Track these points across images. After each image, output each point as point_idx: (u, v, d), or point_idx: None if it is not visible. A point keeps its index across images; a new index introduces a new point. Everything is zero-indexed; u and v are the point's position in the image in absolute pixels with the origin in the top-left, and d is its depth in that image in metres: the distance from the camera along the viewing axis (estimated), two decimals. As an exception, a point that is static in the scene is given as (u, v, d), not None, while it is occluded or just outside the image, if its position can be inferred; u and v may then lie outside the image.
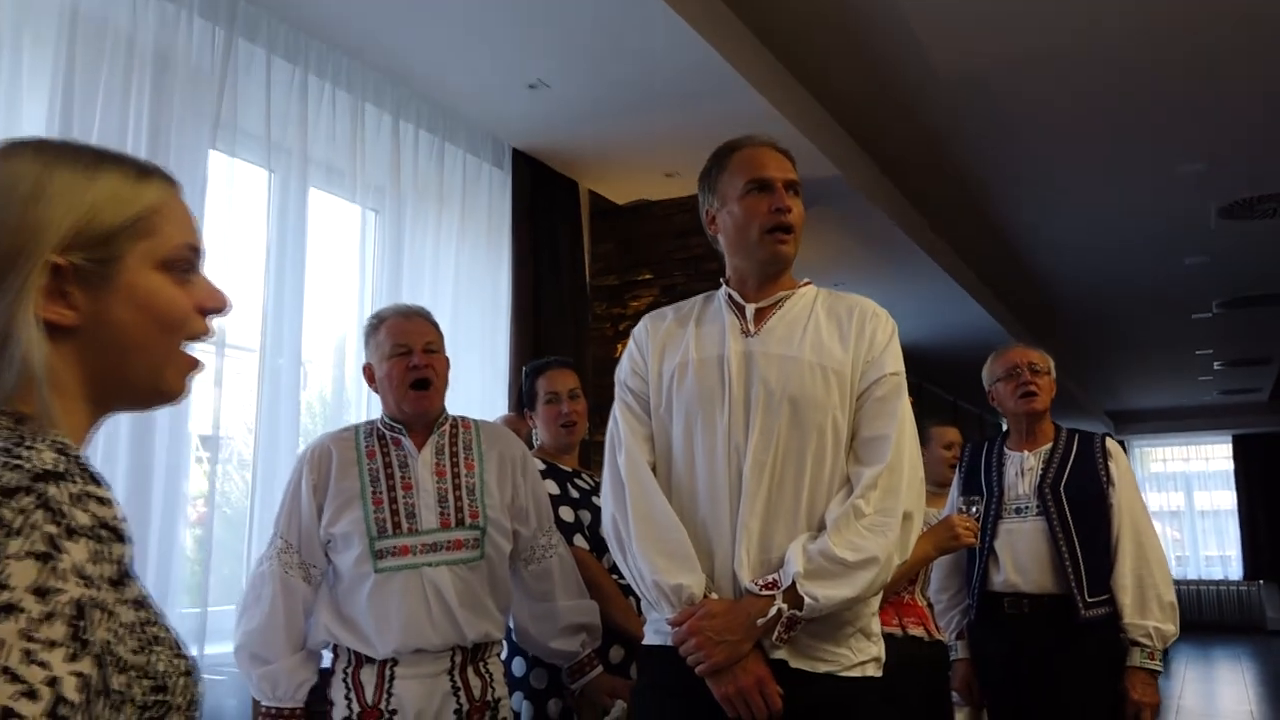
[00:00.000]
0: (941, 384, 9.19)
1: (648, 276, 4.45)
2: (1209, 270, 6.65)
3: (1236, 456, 13.29)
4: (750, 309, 1.71)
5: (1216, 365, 10.16)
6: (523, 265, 3.95)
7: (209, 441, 2.75)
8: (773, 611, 1.48)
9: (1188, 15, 3.50)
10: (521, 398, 2.63)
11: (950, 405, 10.04)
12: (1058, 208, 5.51)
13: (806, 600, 1.47)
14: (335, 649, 2.00)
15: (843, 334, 1.65)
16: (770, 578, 1.51)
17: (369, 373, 2.10)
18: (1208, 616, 12.49)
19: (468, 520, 2.00)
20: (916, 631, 2.57)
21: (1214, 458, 13.87)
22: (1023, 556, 2.58)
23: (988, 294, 6.97)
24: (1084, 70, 3.90)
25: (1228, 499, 13.44)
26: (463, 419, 2.14)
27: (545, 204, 4.12)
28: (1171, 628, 2.49)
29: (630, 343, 1.81)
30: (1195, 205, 5.39)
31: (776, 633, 1.49)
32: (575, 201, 4.31)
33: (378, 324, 2.09)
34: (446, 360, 2.12)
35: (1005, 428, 2.82)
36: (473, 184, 3.86)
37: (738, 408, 1.60)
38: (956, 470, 2.90)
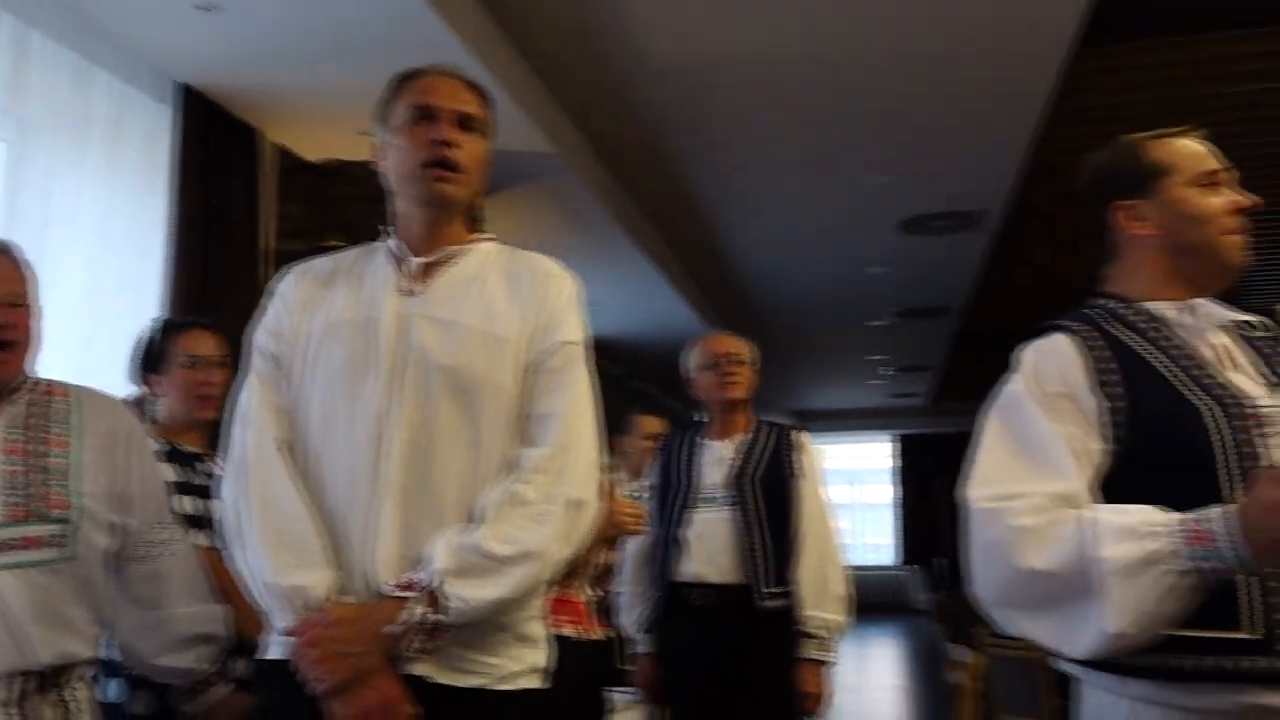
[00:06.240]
0: (650, 379, 9.35)
1: (340, 243, 4.01)
2: (888, 281, 7.20)
3: (898, 454, 14.80)
4: (414, 263, 1.46)
5: (888, 371, 11.18)
6: (190, 221, 3.42)
7: None
8: (404, 616, 1.24)
9: (900, 29, 3.63)
10: (146, 358, 2.18)
11: (657, 401, 10.25)
12: (760, 209, 5.70)
13: (452, 602, 1.25)
14: None
15: (515, 297, 1.44)
16: (410, 577, 1.27)
17: None
18: (865, 599, 13.72)
19: (49, 511, 1.58)
20: (566, 631, 2.30)
21: (878, 455, 15.31)
22: (712, 546, 2.53)
23: (694, 289, 7.12)
24: (792, 74, 3.99)
25: (887, 493, 14.92)
26: (56, 384, 1.71)
27: (219, 151, 3.60)
28: (842, 619, 2.53)
29: (273, 298, 1.51)
30: (881, 217, 5.78)
31: (416, 642, 1.25)
32: (256, 152, 3.82)
33: None
34: (34, 312, 1.68)
35: (699, 418, 2.77)
36: (126, 118, 3.28)
37: (386, 379, 1.36)
38: (653, 459, 2.81)
